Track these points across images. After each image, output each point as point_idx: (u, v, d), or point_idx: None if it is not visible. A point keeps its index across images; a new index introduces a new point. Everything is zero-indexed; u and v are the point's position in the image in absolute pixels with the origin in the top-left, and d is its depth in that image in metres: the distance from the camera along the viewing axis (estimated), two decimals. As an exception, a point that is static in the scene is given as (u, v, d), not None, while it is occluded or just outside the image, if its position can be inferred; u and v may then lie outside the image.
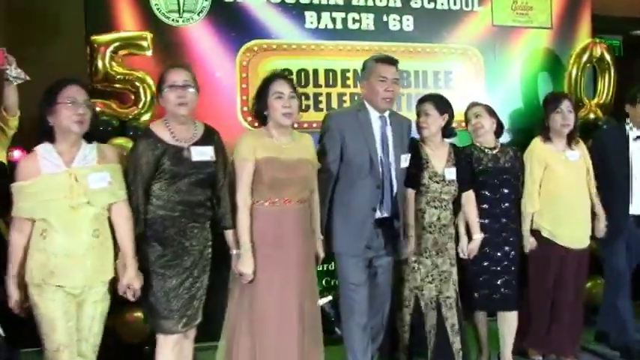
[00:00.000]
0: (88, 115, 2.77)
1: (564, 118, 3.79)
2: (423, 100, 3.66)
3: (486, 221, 3.75)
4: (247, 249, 3.03)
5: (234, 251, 3.11)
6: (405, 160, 3.49)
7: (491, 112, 3.86)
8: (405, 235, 3.51)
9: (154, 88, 4.00)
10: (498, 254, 3.77)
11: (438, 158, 3.63)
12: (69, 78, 2.82)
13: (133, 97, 4.00)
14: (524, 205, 3.82)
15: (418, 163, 3.58)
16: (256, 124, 4.28)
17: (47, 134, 2.75)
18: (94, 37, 3.97)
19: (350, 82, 4.64)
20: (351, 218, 3.38)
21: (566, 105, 3.80)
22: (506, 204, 3.79)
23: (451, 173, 3.63)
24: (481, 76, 4.85)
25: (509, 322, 3.79)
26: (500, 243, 3.77)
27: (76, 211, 2.71)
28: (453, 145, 3.74)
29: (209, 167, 3.02)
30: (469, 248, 3.70)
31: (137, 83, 4.00)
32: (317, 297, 3.32)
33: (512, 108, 4.88)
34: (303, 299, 3.12)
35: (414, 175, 3.56)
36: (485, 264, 3.75)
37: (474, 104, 3.91)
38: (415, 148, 3.61)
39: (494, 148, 3.85)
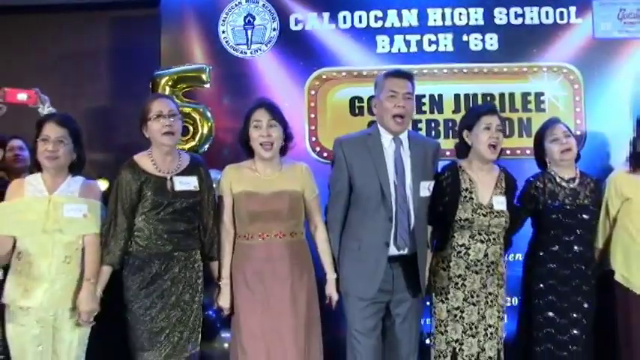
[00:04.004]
0: (60, 152, 2.88)
1: None
2: (487, 112, 3.19)
3: (554, 266, 3.23)
4: (226, 283, 2.99)
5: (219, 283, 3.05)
6: (427, 189, 3.09)
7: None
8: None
9: (212, 122, 4.05)
10: (566, 305, 3.22)
11: (485, 185, 3.15)
12: (49, 114, 3.01)
13: (191, 130, 4.03)
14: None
15: (455, 192, 3.11)
16: (325, 155, 4.29)
17: (37, 166, 2.94)
18: (155, 72, 4.07)
19: (426, 107, 4.25)
20: (363, 255, 3.04)
21: None
22: (581, 247, 3.25)
23: (500, 203, 3.13)
24: (579, 98, 4.22)
25: None
26: (568, 292, 3.22)
27: (49, 236, 2.84)
28: (504, 170, 3.26)
29: (193, 197, 2.99)
30: None
31: (195, 116, 4.01)
32: (319, 341, 3.05)
33: (620, 134, 4.13)
34: (297, 342, 2.89)
35: (445, 210, 3.11)
36: (551, 314, 3.22)
37: (557, 121, 3.42)
38: (453, 173, 3.15)
39: (574, 179, 3.32)
